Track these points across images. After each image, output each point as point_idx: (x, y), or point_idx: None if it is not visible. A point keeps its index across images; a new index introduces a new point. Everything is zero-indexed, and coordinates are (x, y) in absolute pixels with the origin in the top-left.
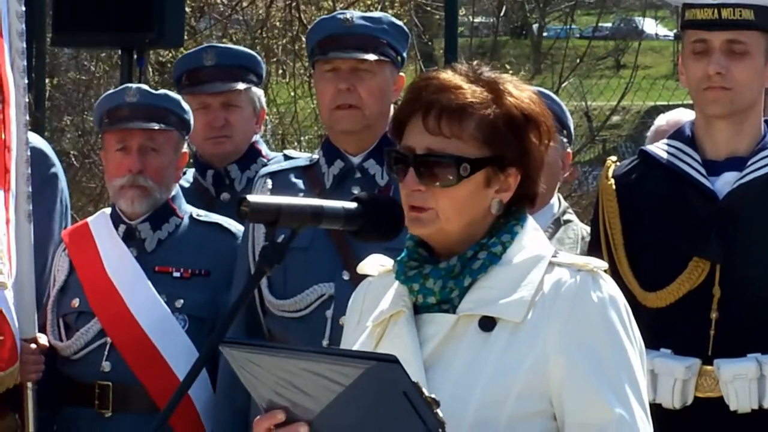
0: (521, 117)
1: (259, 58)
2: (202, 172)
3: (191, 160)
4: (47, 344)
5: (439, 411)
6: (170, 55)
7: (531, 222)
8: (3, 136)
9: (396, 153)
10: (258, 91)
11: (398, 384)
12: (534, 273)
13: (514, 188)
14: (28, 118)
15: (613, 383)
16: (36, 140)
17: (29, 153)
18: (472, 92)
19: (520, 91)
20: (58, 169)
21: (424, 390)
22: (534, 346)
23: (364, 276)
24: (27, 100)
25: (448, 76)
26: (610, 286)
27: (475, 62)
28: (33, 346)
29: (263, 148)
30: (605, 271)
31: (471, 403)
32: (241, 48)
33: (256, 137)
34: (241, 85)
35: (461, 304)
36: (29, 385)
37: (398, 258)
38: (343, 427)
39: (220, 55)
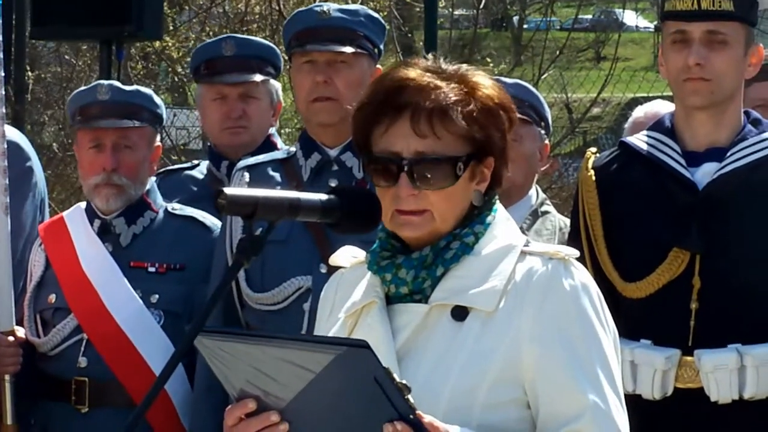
0: (495, 107)
1: (278, 50)
2: (217, 163)
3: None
4: (24, 337)
5: (410, 397)
6: (156, 45)
7: (502, 211)
8: None
9: (379, 159)
10: (275, 84)
11: (369, 369)
12: (506, 262)
13: (489, 177)
14: (4, 110)
15: (586, 371)
16: (12, 133)
17: (5, 146)
18: (451, 89)
19: (485, 80)
20: (33, 162)
21: (395, 376)
22: (507, 335)
23: (330, 261)
24: (3, 92)
25: (418, 74)
26: (581, 274)
27: (429, 55)
28: (11, 338)
29: (278, 141)
30: (577, 259)
31: (444, 392)
32: (261, 39)
33: (272, 130)
34: (259, 77)
35: (434, 294)
36: (7, 377)
37: (371, 249)
38: (314, 414)
39: (240, 46)
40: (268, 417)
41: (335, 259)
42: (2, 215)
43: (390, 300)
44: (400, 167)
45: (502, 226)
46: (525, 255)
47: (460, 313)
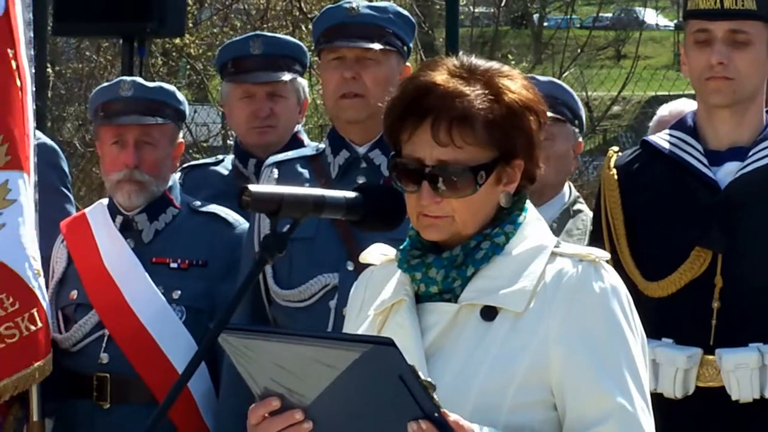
0: (521, 109)
1: (305, 47)
2: (244, 160)
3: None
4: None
5: (435, 395)
6: (177, 42)
7: (533, 211)
8: (24, 124)
9: (403, 164)
10: (302, 81)
11: (395, 367)
12: (536, 263)
13: (519, 177)
14: (33, 107)
15: (613, 373)
16: (43, 136)
17: (35, 142)
18: (475, 96)
19: (514, 82)
20: (65, 163)
21: (421, 374)
22: (535, 336)
23: (368, 266)
24: (34, 88)
25: (444, 79)
26: (611, 277)
27: (461, 54)
28: None
29: (305, 138)
30: (607, 261)
31: (472, 392)
32: (288, 38)
33: (298, 127)
34: (287, 76)
35: (463, 294)
36: None
37: (401, 247)
38: (339, 412)
39: (267, 44)
40: (292, 415)
41: (365, 256)
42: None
43: (419, 298)
44: (422, 175)
45: (533, 226)
46: (555, 256)
47: (489, 313)
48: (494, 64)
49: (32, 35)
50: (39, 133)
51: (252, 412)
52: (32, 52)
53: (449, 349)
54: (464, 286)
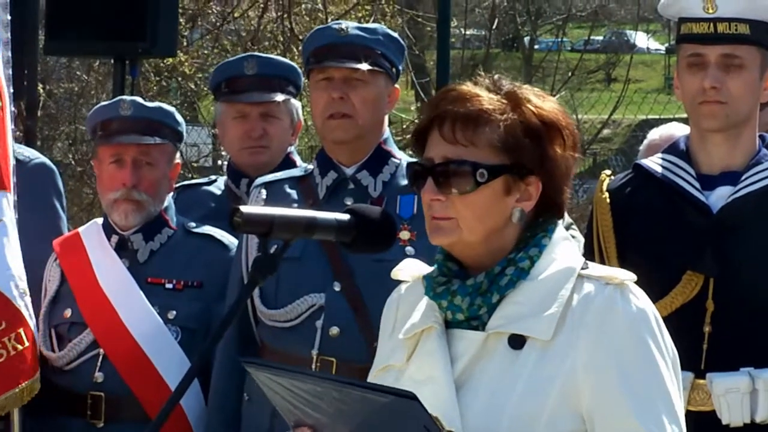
0: (540, 124)
1: (299, 69)
2: (236, 180)
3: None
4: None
5: None
6: (169, 62)
7: (560, 231)
8: (4, 142)
9: (417, 165)
10: (296, 103)
11: (419, 419)
12: (563, 287)
13: (536, 197)
14: (13, 126)
15: (644, 401)
16: (40, 156)
17: (15, 162)
18: (488, 100)
19: (542, 100)
20: (61, 184)
21: (444, 424)
22: (564, 364)
23: (355, 287)
24: (13, 109)
25: (467, 87)
26: (639, 300)
27: (496, 75)
28: None
29: (297, 159)
30: (635, 282)
31: (503, 422)
32: (282, 59)
33: (291, 148)
34: (280, 97)
35: (490, 321)
36: None
37: (426, 273)
38: None
39: (261, 65)
40: None
41: (397, 273)
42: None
43: (448, 324)
44: (428, 171)
45: (561, 247)
46: (582, 279)
47: (517, 341)
48: (528, 87)
49: (10, 54)
50: (36, 153)
51: None
52: (10, 72)
53: (478, 378)
54: (491, 313)
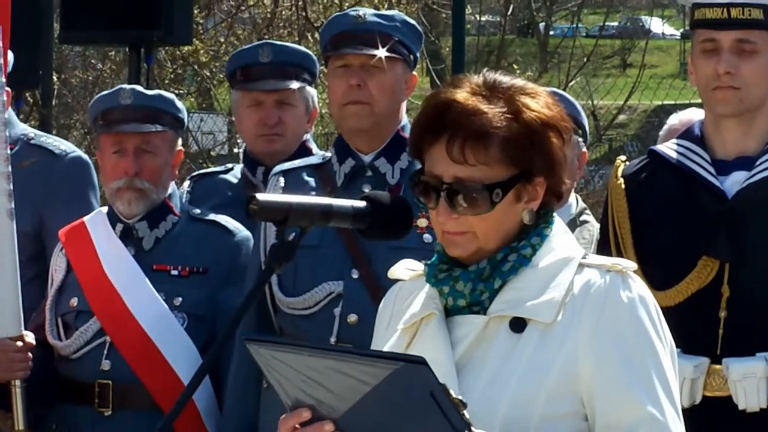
0: (541, 127)
1: (314, 56)
2: (252, 169)
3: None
4: (34, 342)
5: (465, 412)
6: (184, 50)
7: (559, 223)
8: None
9: (423, 181)
10: (311, 90)
11: (425, 385)
12: (564, 274)
13: (542, 194)
14: (5, 116)
15: (644, 382)
16: (77, 150)
17: (8, 151)
18: (493, 115)
19: (536, 100)
20: (95, 177)
21: (452, 391)
22: (564, 347)
23: (373, 274)
24: (3, 98)
25: (464, 96)
26: (639, 286)
27: (485, 71)
28: (19, 343)
29: (314, 147)
30: (635, 271)
31: (502, 404)
32: (297, 46)
33: (307, 136)
34: (295, 84)
35: (492, 306)
36: (17, 383)
37: (428, 261)
38: (368, 425)
39: (276, 53)
40: (322, 427)
41: (394, 272)
42: (7, 220)
43: (449, 312)
44: (439, 191)
45: (560, 238)
46: (583, 267)
47: (518, 325)
48: (518, 82)
49: None
50: (72, 146)
51: (283, 422)
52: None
53: (479, 361)
54: (492, 299)
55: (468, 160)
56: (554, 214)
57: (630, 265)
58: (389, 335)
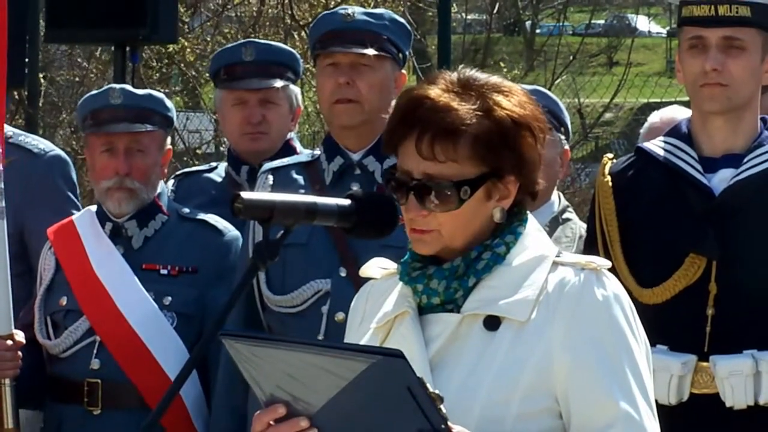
0: (513, 126)
1: (298, 55)
2: (237, 167)
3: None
4: (23, 341)
5: (442, 407)
6: (170, 49)
7: (533, 222)
8: None
9: (394, 176)
10: (295, 89)
11: (402, 379)
12: (538, 272)
13: (515, 192)
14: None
15: (618, 380)
16: (55, 148)
17: (1, 149)
18: (464, 112)
19: (509, 98)
20: (74, 174)
21: (429, 385)
22: (539, 345)
23: (361, 272)
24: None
25: (437, 93)
26: (613, 284)
27: (461, 67)
28: (9, 342)
29: (298, 146)
30: (608, 269)
31: (477, 402)
32: (281, 45)
33: (291, 134)
34: (279, 83)
35: (466, 304)
36: (6, 381)
37: (402, 260)
38: (344, 421)
39: (260, 51)
40: (298, 423)
41: (365, 270)
42: None
43: (422, 310)
44: (408, 188)
45: (534, 236)
46: (557, 265)
47: (492, 323)
48: (493, 79)
49: None
50: (51, 145)
51: (257, 419)
52: None
53: (453, 359)
54: (466, 297)
55: (437, 156)
56: (528, 212)
57: (604, 263)
58: (361, 334)
